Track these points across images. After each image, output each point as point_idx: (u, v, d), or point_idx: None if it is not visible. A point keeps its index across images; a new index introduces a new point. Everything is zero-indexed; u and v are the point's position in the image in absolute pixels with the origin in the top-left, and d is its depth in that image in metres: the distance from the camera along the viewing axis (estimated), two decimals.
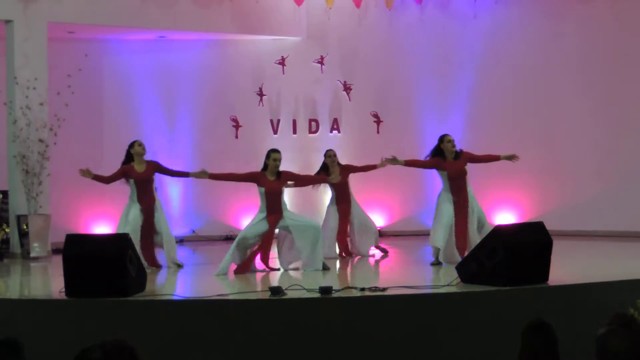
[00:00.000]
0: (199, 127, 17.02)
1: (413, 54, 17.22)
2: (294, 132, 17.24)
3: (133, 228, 12.23)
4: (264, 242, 11.92)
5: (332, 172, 13.39)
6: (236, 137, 17.26)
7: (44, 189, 14.45)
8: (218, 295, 9.38)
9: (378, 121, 17.05)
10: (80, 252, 9.54)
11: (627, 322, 4.46)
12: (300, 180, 12.77)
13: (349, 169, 13.65)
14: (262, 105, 17.32)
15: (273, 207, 11.86)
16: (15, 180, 14.43)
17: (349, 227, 13.58)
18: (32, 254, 14.19)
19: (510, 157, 12.57)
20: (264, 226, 11.85)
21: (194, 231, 16.56)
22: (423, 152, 16.99)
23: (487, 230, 11.81)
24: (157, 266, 12.52)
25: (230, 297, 9.32)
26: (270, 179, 11.93)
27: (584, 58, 16.27)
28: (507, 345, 5.90)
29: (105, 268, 9.35)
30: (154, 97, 16.89)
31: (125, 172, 12.48)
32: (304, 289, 9.76)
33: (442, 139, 12.50)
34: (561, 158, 16.37)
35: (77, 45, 16.15)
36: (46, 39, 14.74)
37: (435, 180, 17.09)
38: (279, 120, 17.36)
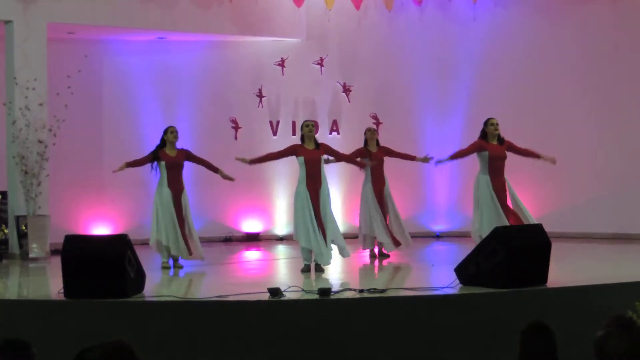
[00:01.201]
0: (199, 128, 17.01)
1: (412, 55, 17.23)
2: (294, 133, 17.22)
3: (169, 210, 12.47)
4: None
5: (370, 146, 13.65)
6: (235, 138, 17.27)
7: (43, 190, 14.44)
8: (217, 296, 9.38)
9: (377, 123, 17.05)
10: (79, 253, 9.54)
11: (626, 324, 4.47)
12: (338, 156, 12.76)
13: (387, 150, 13.80)
14: (262, 107, 17.33)
15: (313, 176, 11.89)
16: (14, 181, 14.43)
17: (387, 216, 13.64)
18: (31, 255, 14.18)
19: (551, 160, 12.81)
20: (306, 199, 11.81)
21: None
22: (423, 153, 17.00)
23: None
24: (178, 266, 12.61)
25: (229, 298, 9.32)
26: (309, 148, 12.00)
27: (583, 60, 16.28)
28: (506, 347, 5.90)
29: (104, 269, 9.35)
30: (154, 98, 16.89)
31: (157, 155, 12.58)
32: (303, 290, 9.77)
33: (487, 122, 12.70)
34: (560, 160, 16.34)
35: (76, 46, 16.15)
36: (46, 39, 14.74)
37: (434, 181, 17.15)
38: (278, 122, 17.37)
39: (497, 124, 12.59)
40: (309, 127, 12.10)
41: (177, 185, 12.64)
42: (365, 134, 13.88)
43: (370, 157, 13.61)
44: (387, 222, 13.54)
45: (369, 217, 13.51)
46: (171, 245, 12.41)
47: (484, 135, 12.62)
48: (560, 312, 9.08)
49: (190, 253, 12.55)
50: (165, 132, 12.76)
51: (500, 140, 12.59)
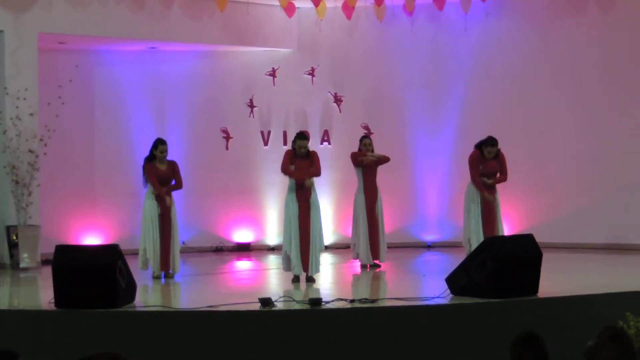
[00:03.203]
0: (190, 138, 17.00)
1: (404, 65, 17.23)
2: (285, 143, 17.22)
3: (151, 218, 12.53)
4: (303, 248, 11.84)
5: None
6: (226, 148, 17.25)
7: (34, 200, 14.42)
8: (208, 306, 9.38)
9: (369, 133, 17.04)
10: (70, 263, 9.53)
11: (616, 334, 4.48)
12: (315, 168, 12.06)
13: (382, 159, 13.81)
14: (253, 117, 17.32)
15: (302, 185, 11.82)
16: (5, 190, 14.40)
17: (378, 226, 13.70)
18: (22, 265, 14.15)
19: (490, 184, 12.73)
20: (295, 209, 11.77)
21: (184, 242, 16.49)
22: (414, 164, 17.11)
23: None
24: (169, 276, 12.60)
25: (220, 308, 9.31)
26: (301, 158, 11.88)
27: (574, 71, 16.30)
28: (497, 357, 5.91)
29: (95, 279, 9.35)
30: (145, 108, 16.88)
31: (151, 171, 12.66)
32: (294, 300, 9.77)
33: (486, 146, 12.63)
34: (550, 170, 16.40)
35: (67, 56, 16.14)
36: (36, 49, 14.72)
37: (425, 190, 17.16)
38: (269, 132, 17.37)
39: (494, 152, 12.61)
40: (302, 150, 11.84)
41: (165, 213, 12.67)
42: (360, 141, 13.87)
43: (365, 166, 13.62)
44: (375, 234, 13.59)
45: (356, 227, 13.63)
46: (151, 261, 12.46)
47: (480, 149, 12.64)
48: (551, 322, 9.09)
49: (166, 266, 12.56)
50: (155, 147, 12.75)
51: (496, 156, 12.67)
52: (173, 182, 12.84)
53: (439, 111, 17.11)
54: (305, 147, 11.94)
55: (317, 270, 11.88)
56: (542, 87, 16.54)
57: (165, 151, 12.73)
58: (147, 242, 12.53)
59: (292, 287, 11.39)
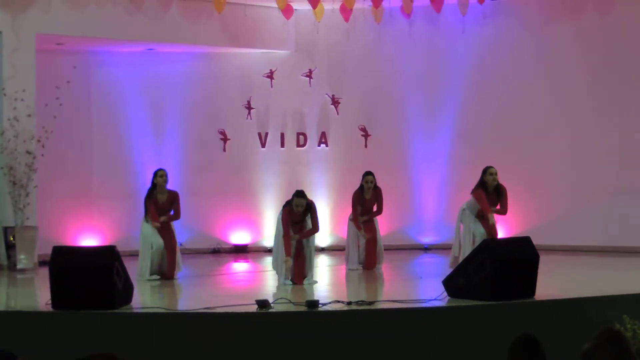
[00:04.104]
0: (187, 139, 17.01)
1: (401, 67, 17.24)
2: (282, 145, 17.25)
3: (149, 243, 12.60)
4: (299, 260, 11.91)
5: (365, 193, 13.55)
6: (224, 150, 17.25)
7: (31, 201, 14.42)
8: (205, 308, 9.38)
9: (366, 135, 17.07)
10: (67, 264, 9.52)
11: (613, 337, 4.48)
12: (313, 224, 12.10)
13: (378, 196, 13.72)
14: (250, 119, 17.32)
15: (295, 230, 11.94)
16: (3, 192, 14.40)
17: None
18: (19, 266, 14.15)
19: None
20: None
21: (181, 244, 16.49)
22: (411, 166, 17.10)
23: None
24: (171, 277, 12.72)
25: (217, 310, 9.31)
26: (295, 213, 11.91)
27: (571, 73, 16.31)
28: None
29: (92, 280, 9.34)
30: (142, 109, 16.88)
31: (150, 202, 12.73)
32: (291, 302, 9.76)
33: (485, 171, 12.48)
34: (547, 172, 16.41)
35: (65, 57, 16.14)
36: (34, 50, 14.73)
37: (422, 193, 17.16)
38: (266, 134, 17.37)
39: (496, 173, 12.44)
40: (298, 208, 11.74)
41: (164, 223, 12.76)
42: (363, 177, 13.67)
43: (364, 204, 13.60)
44: (373, 249, 13.61)
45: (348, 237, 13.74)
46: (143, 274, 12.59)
47: (482, 183, 12.51)
48: (549, 324, 9.09)
49: (171, 272, 12.69)
50: (155, 175, 12.82)
51: (497, 189, 12.47)
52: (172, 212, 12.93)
53: (436, 113, 17.11)
54: (303, 205, 11.77)
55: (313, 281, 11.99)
56: (539, 89, 16.55)
57: (164, 175, 12.77)
58: (143, 263, 12.63)
59: (290, 289, 11.39)
